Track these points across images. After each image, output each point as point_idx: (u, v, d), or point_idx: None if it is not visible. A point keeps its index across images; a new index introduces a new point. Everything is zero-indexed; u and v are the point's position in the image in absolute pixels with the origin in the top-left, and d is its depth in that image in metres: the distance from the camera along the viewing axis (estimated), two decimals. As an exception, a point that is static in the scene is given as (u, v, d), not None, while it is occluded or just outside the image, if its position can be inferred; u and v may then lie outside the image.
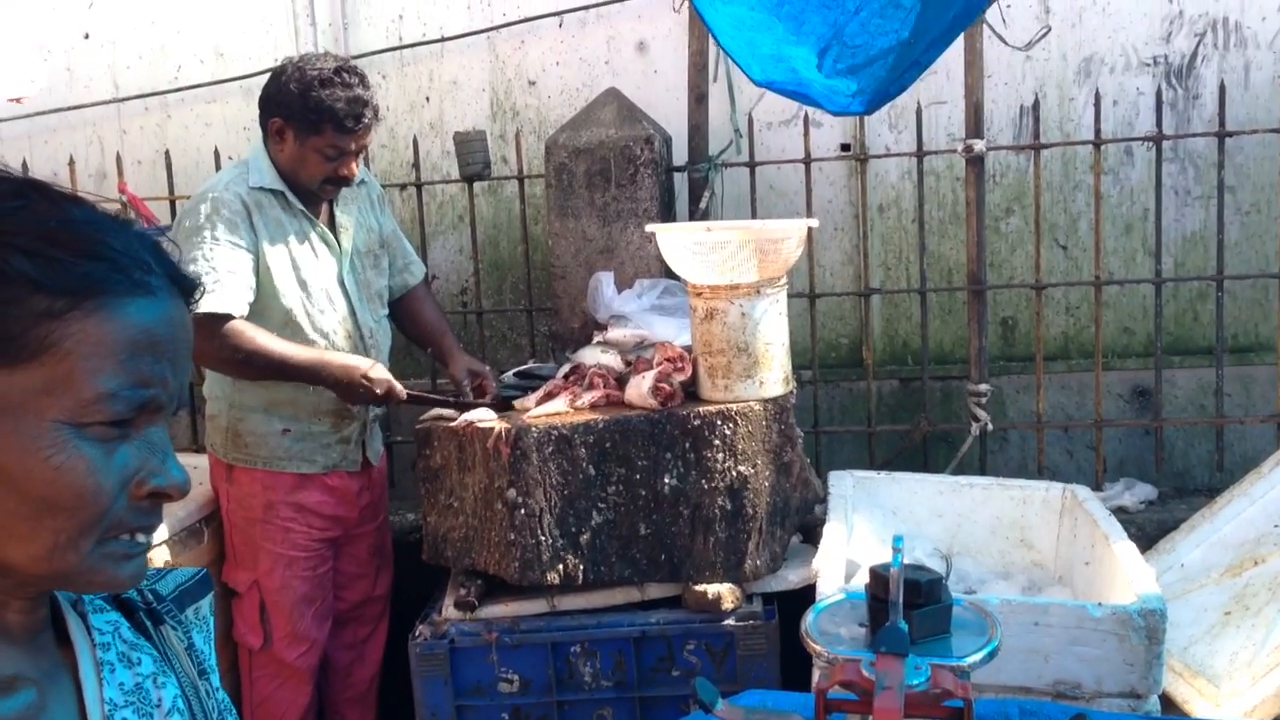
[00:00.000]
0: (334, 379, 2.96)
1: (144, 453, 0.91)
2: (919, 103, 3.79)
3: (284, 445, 3.10)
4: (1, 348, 0.85)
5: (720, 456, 2.94)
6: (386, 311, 3.32)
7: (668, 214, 3.77)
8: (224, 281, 2.89)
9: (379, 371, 3.01)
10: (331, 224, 3.17)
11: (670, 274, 3.37)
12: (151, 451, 0.91)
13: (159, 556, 2.96)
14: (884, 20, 2.80)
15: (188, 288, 0.97)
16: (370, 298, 3.23)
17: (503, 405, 3.14)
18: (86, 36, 4.41)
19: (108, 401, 0.87)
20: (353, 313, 3.15)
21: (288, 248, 3.04)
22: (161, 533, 2.98)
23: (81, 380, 0.87)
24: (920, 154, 3.79)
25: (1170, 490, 3.89)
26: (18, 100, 3.72)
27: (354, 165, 3.05)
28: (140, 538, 0.92)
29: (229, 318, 2.90)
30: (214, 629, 1.14)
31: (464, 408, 3.09)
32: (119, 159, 4.20)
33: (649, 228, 3.22)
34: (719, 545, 2.96)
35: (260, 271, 2.99)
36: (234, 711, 1.13)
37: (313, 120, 2.96)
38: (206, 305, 2.87)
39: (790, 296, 3.16)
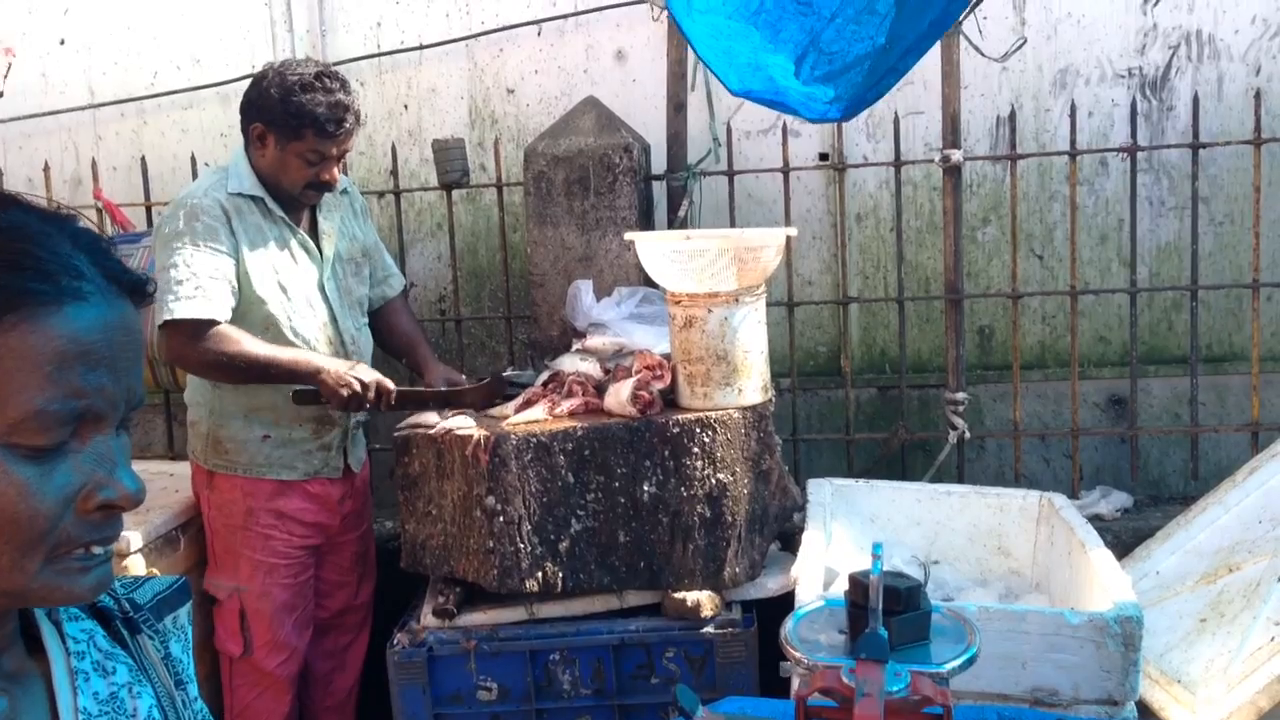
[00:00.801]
0: (319, 375, 2.94)
1: (90, 465, 0.87)
2: (896, 113, 3.81)
3: (264, 451, 3.09)
4: None
5: (699, 464, 2.94)
6: (367, 319, 3.31)
7: (646, 222, 3.78)
8: (205, 287, 2.88)
9: (364, 368, 3.00)
10: (314, 230, 3.16)
11: (649, 282, 3.37)
12: (98, 463, 0.88)
13: (135, 565, 2.94)
14: (859, 26, 2.81)
15: (133, 287, 0.92)
16: (352, 304, 3.22)
17: (497, 393, 3.13)
18: (62, 42, 4.39)
19: (37, 419, 0.84)
20: (334, 319, 3.14)
21: (267, 253, 3.03)
22: (137, 540, 2.96)
23: (7, 399, 0.83)
24: (898, 164, 3.81)
25: (1146, 498, 3.92)
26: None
27: (335, 170, 3.04)
28: (96, 550, 0.89)
29: (214, 323, 2.89)
30: (191, 638, 1.13)
31: (457, 403, 3.08)
32: (94, 165, 4.17)
33: (628, 236, 3.22)
34: (698, 553, 2.96)
35: (240, 277, 2.98)
36: None
37: (293, 125, 2.95)
38: (190, 311, 2.86)
39: (769, 305, 3.17)
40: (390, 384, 3.01)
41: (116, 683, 0.99)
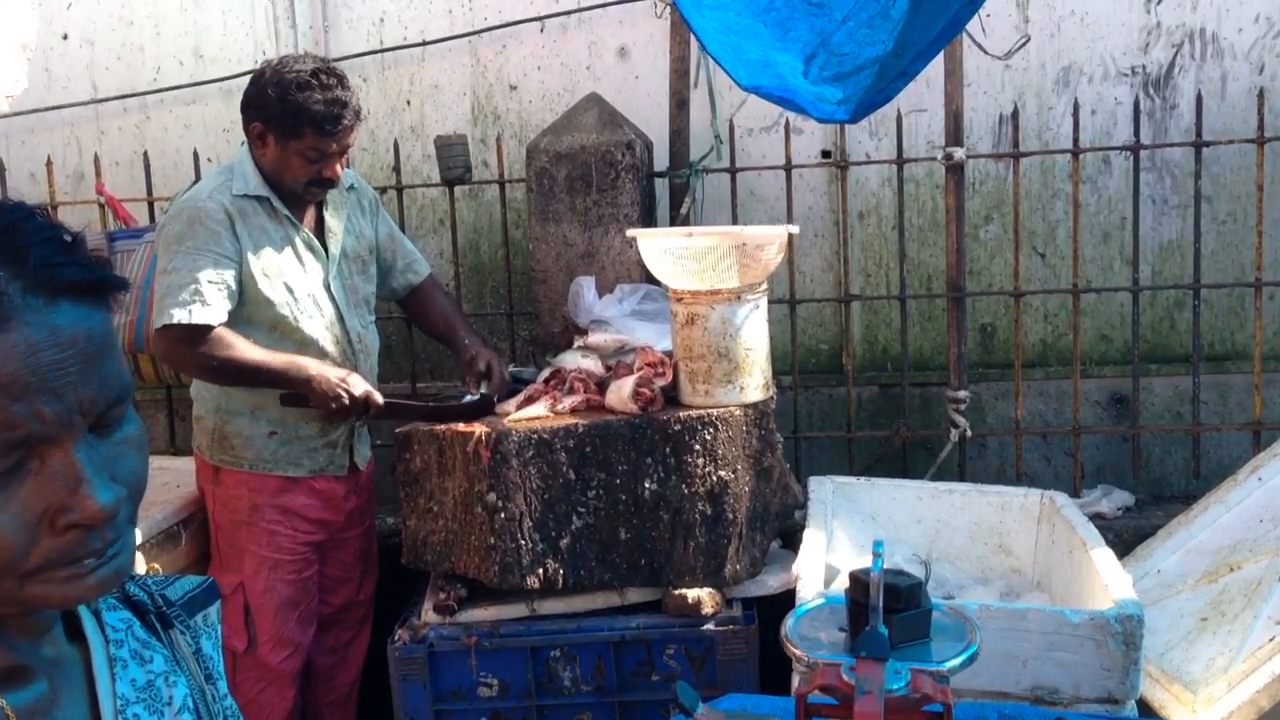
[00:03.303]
0: (309, 383, 2.94)
1: (50, 486, 0.83)
2: (899, 110, 3.80)
3: (270, 448, 3.09)
4: None
5: (700, 461, 2.94)
6: (374, 317, 3.30)
7: (649, 219, 3.78)
8: (203, 292, 2.89)
9: (356, 378, 3.00)
10: (320, 229, 3.16)
11: (651, 279, 3.37)
12: (59, 482, 0.83)
13: (136, 561, 2.94)
14: (871, 31, 2.80)
15: (84, 287, 0.84)
16: (358, 303, 3.21)
17: (484, 411, 3.12)
18: (65, 37, 4.39)
19: None
20: (340, 318, 3.14)
21: (272, 255, 3.02)
22: (137, 536, 2.95)
23: None
24: (900, 161, 3.80)
25: (1147, 497, 3.92)
26: (9, 97, 3.68)
27: (337, 167, 3.04)
28: (89, 561, 0.86)
29: (209, 328, 2.89)
30: (220, 637, 1.14)
31: (444, 417, 3.07)
32: (97, 160, 4.17)
33: (630, 233, 3.22)
34: (699, 550, 2.96)
35: (244, 279, 2.98)
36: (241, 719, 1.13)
37: (292, 124, 2.94)
38: (185, 316, 2.87)
39: (771, 302, 3.17)
40: (379, 396, 3.01)
41: (153, 671, 1.00)
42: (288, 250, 3.06)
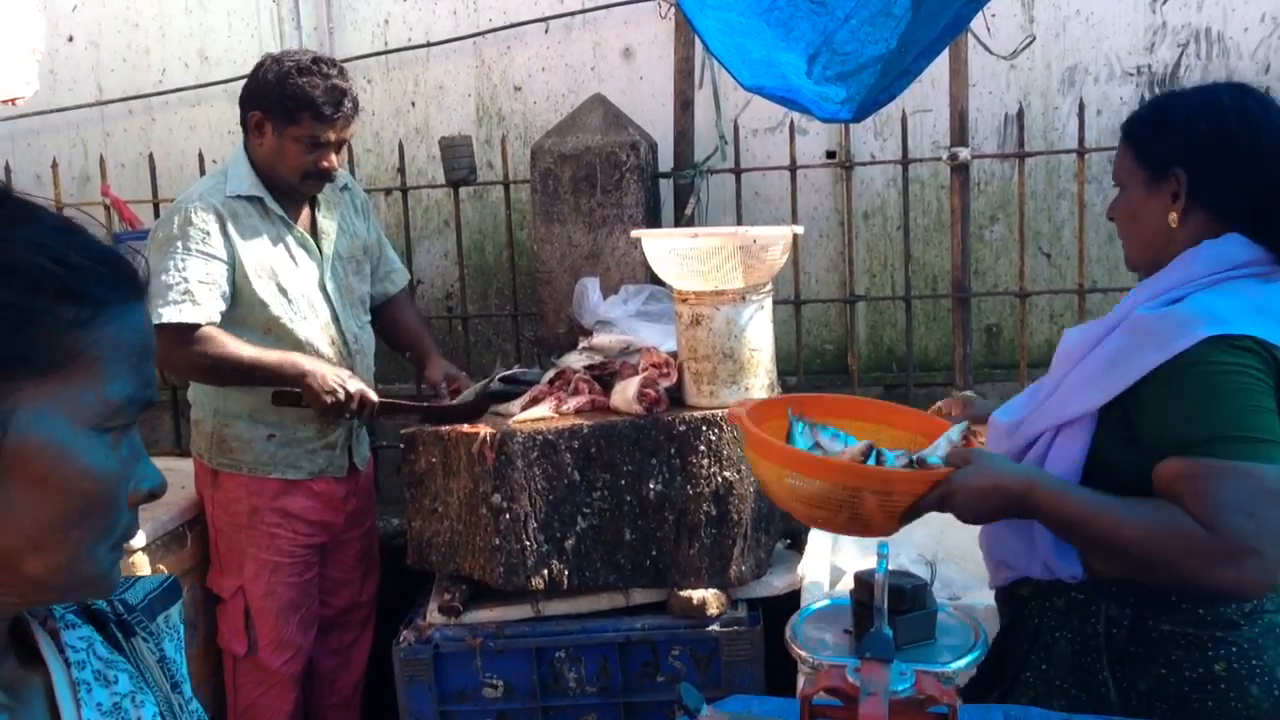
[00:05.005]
0: (304, 378, 2.93)
1: (130, 457, 0.91)
2: (904, 110, 3.80)
3: (269, 451, 3.08)
4: (37, 357, 0.85)
5: (705, 462, 2.94)
6: (369, 318, 3.30)
7: (653, 220, 3.77)
8: (195, 291, 2.89)
9: (353, 378, 3.00)
10: (314, 229, 3.15)
11: (656, 280, 3.37)
12: (135, 456, 0.91)
13: (140, 562, 2.94)
14: (874, 29, 2.80)
15: (141, 287, 0.98)
16: (353, 303, 3.21)
17: (480, 411, 3.12)
18: (70, 39, 4.40)
19: (127, 406, 0.89)
20: (335, 318, 3.14)
21: (266, 256, 3.02)
22: (141, 538, 2.96)
23: (106, 386, 0.88)
24: (905, 161, 3.80)
25: (1153, 497, 3.90)
26: (12, 101, 3.69)
27: (333, 158, 3.03)
28: (120, 551, 0.92)
29: (198, 326, 2.89)
30: (184, 636, 1.12)
31: (440, 418, 3.07)
32: (102, 162, 4.18)
33: (634, 233, 3.22)
34: (704, 551, 2.96)
35: (238, 280, 2.98)
36: None
37: (290, 109, 2.94)
38: (176, 316, 2.87)
39: (775, 303, 3.16)
40: (374, 395, 3.00)
41: (119, 692, 0.97)
42: (281, 250, 3.06)
